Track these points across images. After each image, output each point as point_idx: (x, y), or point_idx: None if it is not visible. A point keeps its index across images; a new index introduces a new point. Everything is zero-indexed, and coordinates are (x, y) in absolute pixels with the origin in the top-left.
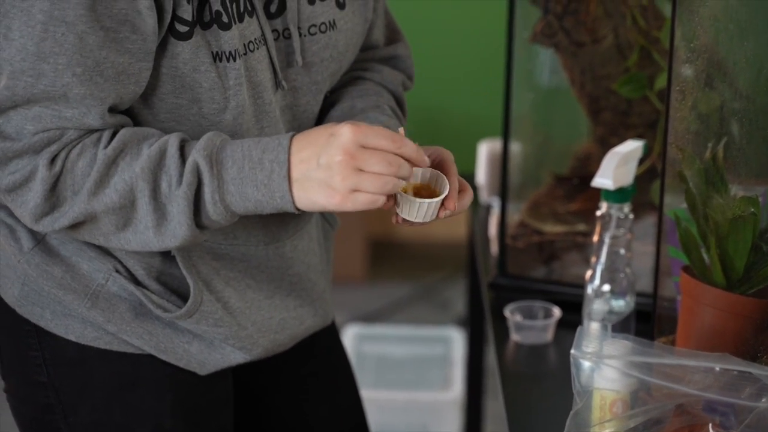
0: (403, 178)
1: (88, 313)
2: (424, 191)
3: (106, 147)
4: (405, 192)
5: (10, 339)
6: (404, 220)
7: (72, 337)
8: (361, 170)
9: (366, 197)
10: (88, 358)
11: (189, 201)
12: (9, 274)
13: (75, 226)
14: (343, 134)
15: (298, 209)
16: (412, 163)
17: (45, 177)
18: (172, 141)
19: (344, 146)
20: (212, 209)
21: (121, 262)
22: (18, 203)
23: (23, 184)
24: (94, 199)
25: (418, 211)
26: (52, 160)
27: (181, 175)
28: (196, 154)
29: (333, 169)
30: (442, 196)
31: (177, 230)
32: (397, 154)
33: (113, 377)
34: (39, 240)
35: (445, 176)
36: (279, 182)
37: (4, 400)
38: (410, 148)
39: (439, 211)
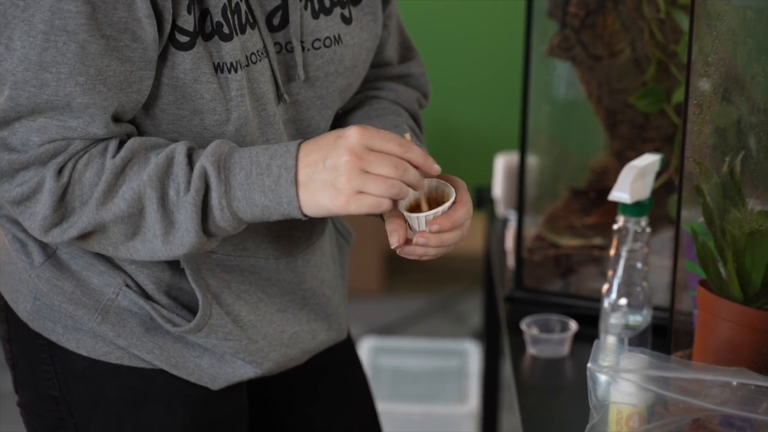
0: (409, 184)
1: (99, 328)
2: (430, 205)
3: (114, 156)
4: (412, 203)
5: (24, 353)
6: (406, 243)
7: (83, 352)
8: (366, 172)
9: (370, 200)
10: (100, 373)
11: (197, 207)
12: (21, 288)
13: (84, 237)
14: (350, 136)
15: (305, 215)
16: (419, 169)
17: (53, 188)
18: (180, 149)
19: (351, 147)
20: (219, 215)
21: (131, 277)
22: (26, 215)
23: (31, 196)
24: (103, 209)
25: (418, 226)
26: (60, 171)
27: (188, 181)
28: (204, 160)
29: (339, 170)
30: (435, 211)
31: (185, 237)
32: (403, 159)
33: (124, 392)
34: (50, 255)
35: (452, 188)
36: (286, 187)
37: (5, 413)
38: (417, 153)
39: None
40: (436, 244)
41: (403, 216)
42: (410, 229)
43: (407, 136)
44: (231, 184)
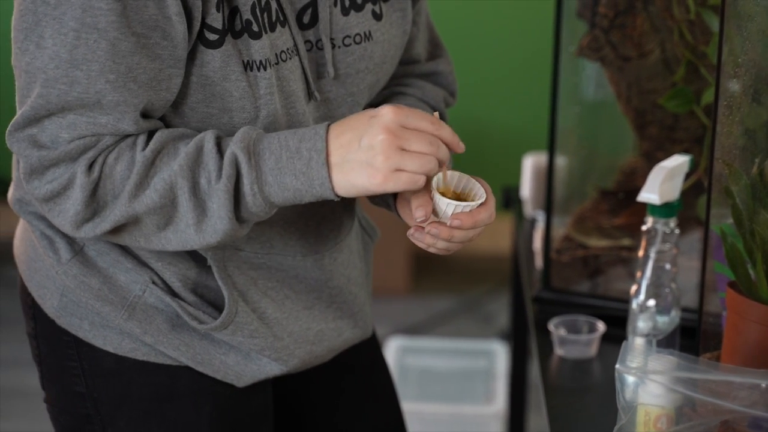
0: (441, 161)
1: (126, 325)
2: (457, 198)
3: (144, 149)
4: (440, 190)
5: (50, 349)
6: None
7: (110, 348)
8: (403, 149)
9: (407, 177)
10: (126, 370)
11: (229, 194)
12: (48, 285)
13: (116, 229)
14: (384, 114)
15: (338, 196)
16: (449, 147)
17: (84, 183)
18: (209, 137)
19: (387, 125)
20: (251, 201)
21: (157, 274)
22: (57, 212)
23: (61, 193)
24: (135, 201)
25: (444, 212)
26: (90, 166)
27: (219, 169)
28: (234, 147)
29: (375, 149)
30: (467, 204)
31: (217, 225)
32: (435, 135)
33: (151, 389)
34: (77, 251)
35: (482, 187)
36: (318, 169)
37: (32, 410)
38: (447, 131)
39: (451, 218)
40: (445, 237)
41: (430, 196)
42: (432, 213)
43: (436, 114)
44: (262, 169)
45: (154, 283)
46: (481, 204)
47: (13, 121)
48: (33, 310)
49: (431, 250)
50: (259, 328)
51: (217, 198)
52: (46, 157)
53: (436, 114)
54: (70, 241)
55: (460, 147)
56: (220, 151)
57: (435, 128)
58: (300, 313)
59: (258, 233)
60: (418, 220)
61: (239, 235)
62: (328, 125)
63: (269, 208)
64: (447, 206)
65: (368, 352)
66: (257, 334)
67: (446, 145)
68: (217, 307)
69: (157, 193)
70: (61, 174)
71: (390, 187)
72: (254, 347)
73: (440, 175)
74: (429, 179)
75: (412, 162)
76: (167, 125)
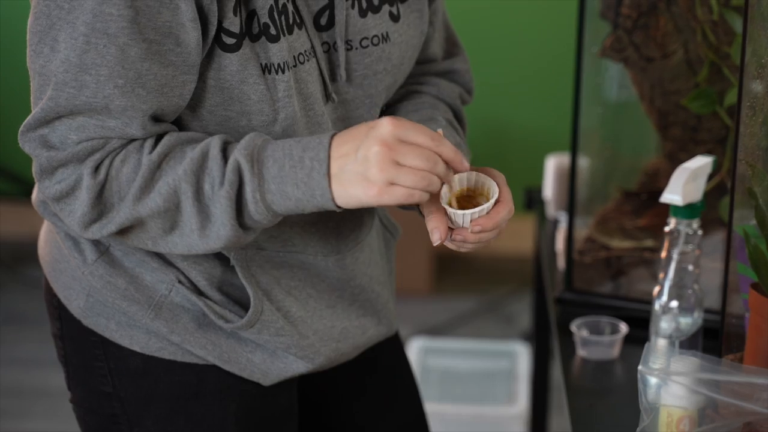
0: (440, 177)
1: (152, 324)
2: (470, 198)
3: (150, 152)
4: (454, 193)
5: (76, 350)
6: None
7: (136, 348)
8: (398, 163)
9: (403, 191)
10: (153, 369)
11: (231, 200)
12: (74, 285)
13: (123, 231)
14: (382, 126)
15: (339, 207)
16: (450, 165)
17: (90, 185)
18: (215, 143)
19: (382, 138)
20: (254, 208)
21: (183, 273)
22: (66, 212)
23: (70, 193)
24: (140, 204)
25: (462, 222)
26: (96, 168)
27: (223, 175)
28: (237, 154)
29: (370, 161)
30: (480, 209)
31: (221, 231)
32: (435, 152)
33: (177, 388)
34: (102, 252)
35: (494, 181)
36: (318, 180)
37: (58, 410)
38: (448, 148)
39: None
40: (473, 241)
41: (444, 210)
42: (450, 222)
43: (440, 131)
44: (264, 177)
45: (180, 282)
46: (498, 201)
47: (25, 121)
48: (58, 311)
49: (462, 249)
50: (285, 326)
51: (220, 204)
52: (54, 157)
53: (440, 131)
54: (95, 242)
55: (464, 165)
56: (225, 158)
57: (434, 144)
58: (323, 312)
59: (278, 232)
60: (435, 244)
61: (244, 241)
62: (333, 135)
63: (272, 216)
64: (464, 217)
65: (391, 350)
66: (283, 333)
67: (448, 163)
68: (243, 305)
69: (162, 197)
70: (69, 175)
71: (386, 200)
72: (280, 345)
73: (446, 186)
74: (435, 195)
75: (406, 177)
76: (185, 128)
